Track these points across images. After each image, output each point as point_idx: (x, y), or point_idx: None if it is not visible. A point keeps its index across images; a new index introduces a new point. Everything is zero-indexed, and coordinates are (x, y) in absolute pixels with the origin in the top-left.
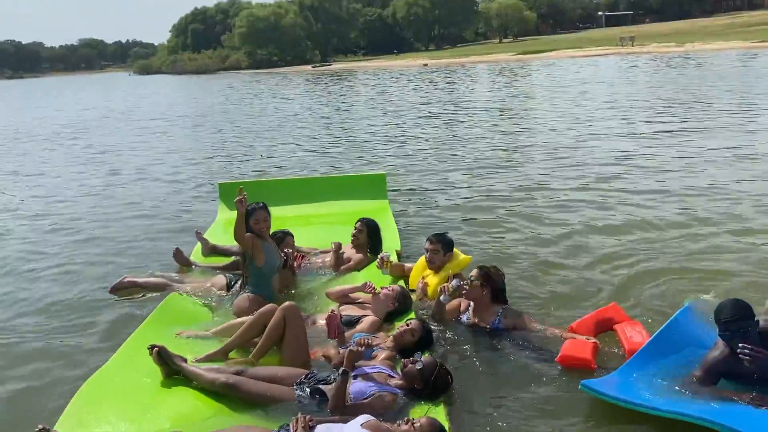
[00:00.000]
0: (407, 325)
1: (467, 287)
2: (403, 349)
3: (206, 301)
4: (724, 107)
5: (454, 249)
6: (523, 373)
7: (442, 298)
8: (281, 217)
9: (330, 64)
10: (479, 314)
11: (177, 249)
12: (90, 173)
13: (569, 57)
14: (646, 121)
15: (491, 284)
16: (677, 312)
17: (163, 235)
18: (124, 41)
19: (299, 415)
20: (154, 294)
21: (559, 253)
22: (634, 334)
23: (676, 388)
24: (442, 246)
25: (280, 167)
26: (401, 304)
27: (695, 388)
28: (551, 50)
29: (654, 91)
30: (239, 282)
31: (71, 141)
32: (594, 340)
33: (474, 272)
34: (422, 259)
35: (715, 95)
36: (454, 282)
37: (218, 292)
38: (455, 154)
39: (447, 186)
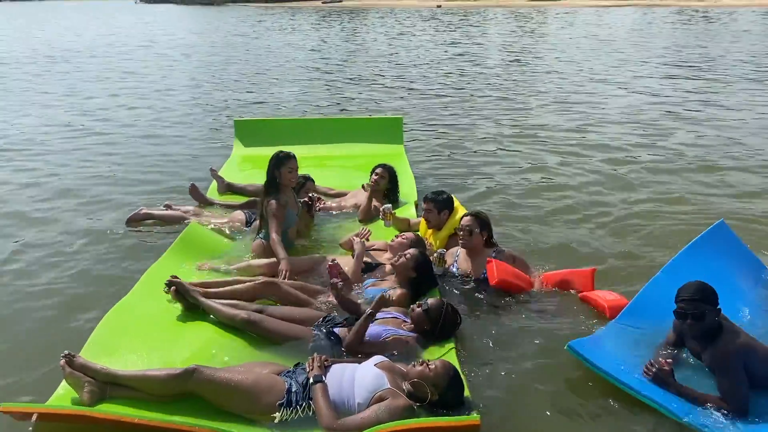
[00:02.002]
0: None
1: (463, 240)
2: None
3: (226, 234)
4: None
5: (456, 205)
6: (524, 319)
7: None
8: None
9: (341, 0)
10: (472, 261)
11: (193, 185)
12: (102, 105)
13: (587, 5)
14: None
15: (487, 229)
16: (678, 253)
17: (178, 171)
18: None
19: (315, 354)
20: (172, 226)
21: (566, 208)
22: (607, 294)
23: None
24: (434, 206)
25: (295, 106)
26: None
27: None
28: None
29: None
30: (257, 220)
31: (77, 67)
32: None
33: (467, 220)
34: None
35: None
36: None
37: (237, 225)
38: (473, 98)
39: (463, 132)
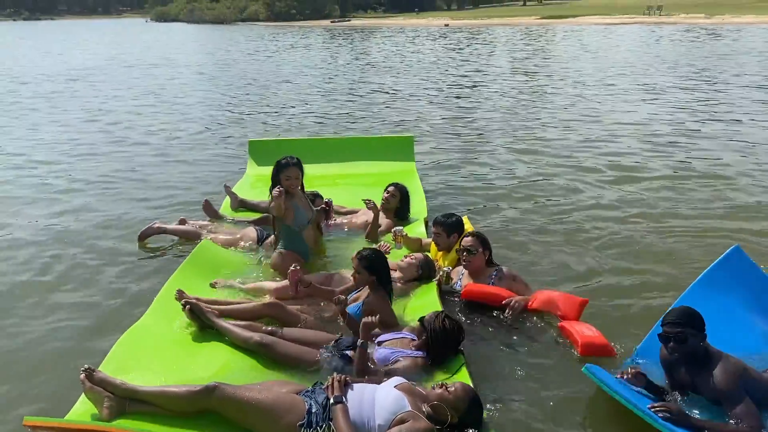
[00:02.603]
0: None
1: (466, 260)
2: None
3: (238, 252)
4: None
5: (468, 227)
6: (530, 336)
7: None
8: (308, 175)
9: (349, 20)
10: (474, 280)
11: (206, 201)
12: (117, 123)
13: (594, 24)
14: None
15: (488, 248)
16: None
17: (192, 187)
18: None
19: (335, 374)
20: (184, 241)
21: (575, 228)
22: (585, 329)
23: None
24: (443, 229)
25: (307, 126)
26: (425, 271)
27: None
28: (575, 15)
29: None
30: (271, 237)
31: (98, 85)
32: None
33: (468, 240)
34: None
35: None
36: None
37: (249, 244)
38: (484, 115)
39: (475, 150)
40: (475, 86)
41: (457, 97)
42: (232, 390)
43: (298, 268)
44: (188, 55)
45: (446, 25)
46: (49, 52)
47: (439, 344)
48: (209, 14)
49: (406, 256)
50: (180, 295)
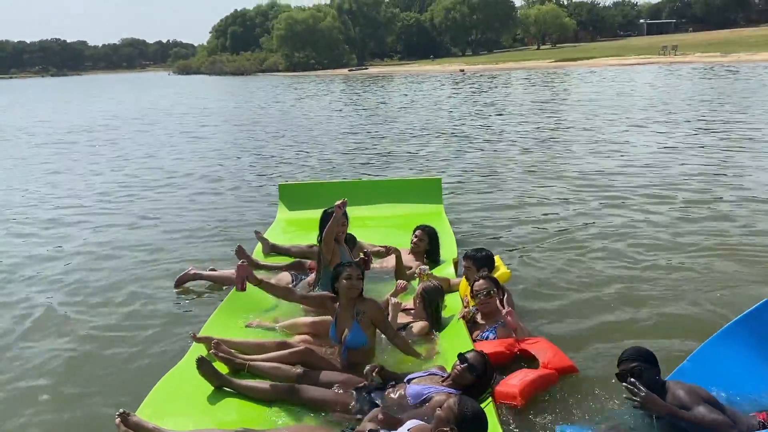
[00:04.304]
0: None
1: (484, 302)
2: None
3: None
4: None
5: (498, 262)
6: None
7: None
8: None
9: (366, 68)
10: (491, 322)
11: (239, 246)
12: (147, 172)
13: (609, 65)
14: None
15: (501, 288)
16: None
17: (223, 234)
18: (164, 41)
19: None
20: (218, 286)
21: (601, 271)
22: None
23: None
24: (473, 263)
25: (334, 169)
26: (428, 299)
27: None
28: (590, 58)
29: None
30: (304, 279)
31: (124, 136)
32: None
33: (484, 283)
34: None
35: None
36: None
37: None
38: (510, 156)
39: (503, 190)
40: (500, 130)
41: (486, 140)
42: None
43: (246, 264)
44: (216, 103)
45: (462, 71)
46: (86, 103)
47: (484, 385)
48: (230, 66)
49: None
50: (201, 339)
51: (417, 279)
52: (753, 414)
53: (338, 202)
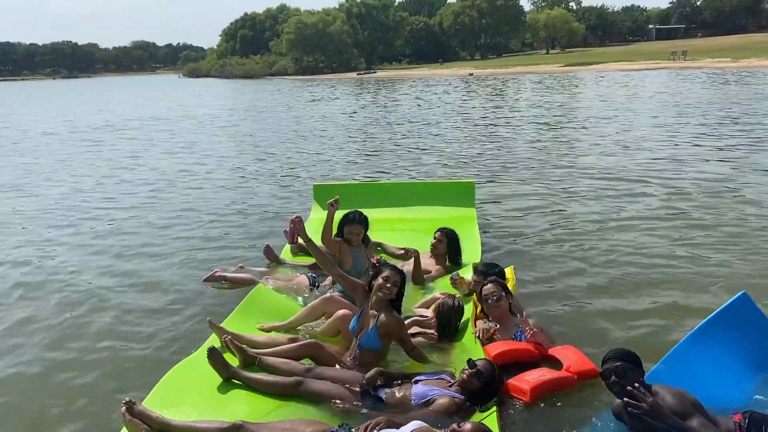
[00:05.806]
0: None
1: (494, 306)
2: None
3: (289, 298)
4: None
5: (509, 274)
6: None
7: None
8: (369, 219)
9: (374, 72)
10: (501, 327)
11: (267, 246)
12: (184, 171)
13: (619, 70)
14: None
15: (509, 292)
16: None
17: (255, 232)
18: (174, 44)
19: (370, 421)
20: (242, 288)
21: (627, 278)
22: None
23: None
24: (483, 278)
25: (369, 170)
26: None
27: None
28: (599, 62)
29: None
30: (323, 282)
31: (160, 137)
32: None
33: (492, 287)
34: None
35: None
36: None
37: (302, 288)
38: (543, 160)
39: (536, 195)
40: (529, 133)
41: (517, 145)
42: (256, 429)
43: (299, 219)
44: (230, 107)
45: (471, 75)
46: (108, 105)
47: (492, 392)
48: (240, 69)
49: (441, 293)
50: (216, 328)
51: (435, 282)
52: (730, 416)
53: (330, 201)
